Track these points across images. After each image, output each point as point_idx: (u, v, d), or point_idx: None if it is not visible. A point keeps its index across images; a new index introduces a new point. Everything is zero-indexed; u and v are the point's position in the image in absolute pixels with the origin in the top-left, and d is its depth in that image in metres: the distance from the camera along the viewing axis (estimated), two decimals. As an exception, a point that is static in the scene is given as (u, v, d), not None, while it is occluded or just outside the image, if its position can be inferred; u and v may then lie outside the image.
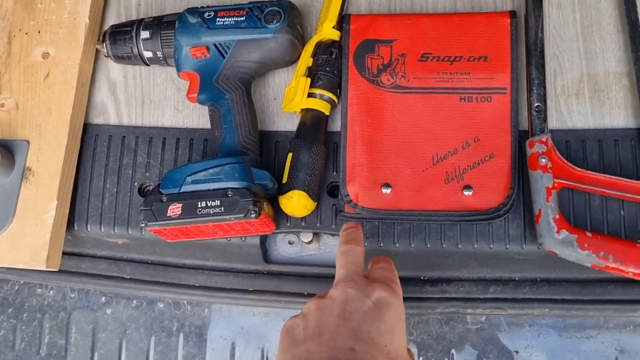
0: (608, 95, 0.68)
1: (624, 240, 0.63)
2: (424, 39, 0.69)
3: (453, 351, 0.70)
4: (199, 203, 0.60)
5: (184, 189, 0.62)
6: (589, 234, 0.63)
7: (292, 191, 0.64)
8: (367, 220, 0.67)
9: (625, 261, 0.62)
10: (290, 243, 0.72)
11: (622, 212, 0.65)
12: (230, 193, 0.61)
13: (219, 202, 0.60)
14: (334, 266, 0.69)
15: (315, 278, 0.70)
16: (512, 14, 0.69)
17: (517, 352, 0.70)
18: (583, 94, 0.69)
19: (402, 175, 0.67)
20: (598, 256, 0.62)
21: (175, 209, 0.61)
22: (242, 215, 0.60)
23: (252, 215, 0.60)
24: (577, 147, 0.67)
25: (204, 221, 0.60)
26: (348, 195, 0.67)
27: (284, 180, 0.65)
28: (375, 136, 0.68)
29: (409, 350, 0.52)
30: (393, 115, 0.68)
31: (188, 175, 0.62)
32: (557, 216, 0.63)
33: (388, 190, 0.66)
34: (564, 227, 0.63)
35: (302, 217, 0.68)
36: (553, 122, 0.68)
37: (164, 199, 0.61)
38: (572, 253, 0.62)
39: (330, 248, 0.72)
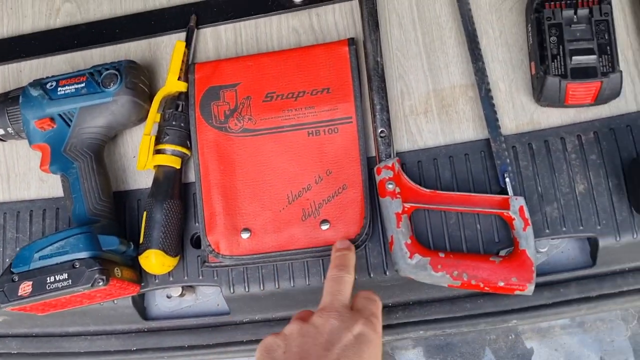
0: (456, 109, 0.68)
1: (476, 256, 0.63)
2: (266, 78, 0.69)
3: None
4: (48, 278, 0.61)
5: (34, 265, 0.62)
6: (441, 255, 0.62)
7: (147, 251, 0.64)
8: (232, 267, 0.67)
9: (478, 277, 0.61)
10: (169, 297, 0.72)
11: (478, 226, 0.65)
12: (77, 264, 0.61)
13: (66, 274, 0.61)
14: (213, 315, 0.69)
15: (195, 329, 0.70)
16: (350, 42, 0.69)
17: (403, 376, 0.69)
18: (431, 111, 0.68)
19: (260, 219, 0.67)
20: (452, 276, 0.62)
21: (26, 287, 0.61)
22: (90, 285, 0.60)
23: (100, 284, 0.60)
24: (429, 166, 0.67)
25: (55, 295, 0.61)
26: (209, 245, 0.67)
27: (141, 240, 0.66)
28: (229, 183, 0.68)
29: None
30: (245, 160, 0.68)
31: (36, 252, 0.62)
32: (409, 241, 0.63)
33: (248, 235, 0.66)
34: (416, 251, 0.63)
35: (168, 272, 0.68)
36: (404, 144, 0.68)
37: (15, 278, 0.62)
38: (427, 276, 0.62)
39: (207, 297, 0.72)
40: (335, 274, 0.58)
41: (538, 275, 0.66)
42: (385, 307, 0.68)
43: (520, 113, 0.67)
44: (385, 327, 0.68)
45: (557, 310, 0.65)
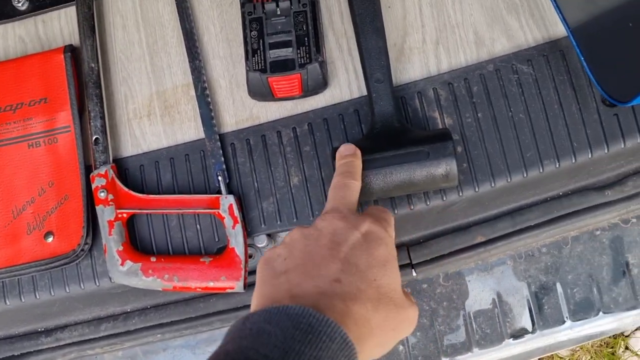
0: (178, 110, 0.68)
1: (187, 258, 0.63)
2: (-15, 92, 0.68)
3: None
4: None
5: None
6: (153, 260, 0.62)
7: None
8: (-38, 287, 0.66)
9: (189, 279, 0.62)
10: None
11: (198, 226, 0.65)
12: None
13: None
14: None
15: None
16: (67, 49, 0.68)
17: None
18: (155, 114, 0.68)
19: (-15, 236, 0.66)
20: (163, 279, 0.62)
21: None
22: None
23: None
24: (151, 169, 0.66)
25: None
26: (-62, 265, 0.66)
27: None
28: (-48, 200, 0.67)
29: (404, 291, 0.47)
30: (-32, 177, 0.67)
31: None
32: (121, 248, 0.63)
33: (-26, 254, 0.65)
34: (128, 257, 0.62)
35: None
36: (129, 148, 0.67)
37: None
38: (139, 282, 0.62)
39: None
40: (340, 181, 0.53)
41: (267, 269, 0.67)
42: (123, 314, 0.68)
43: (240, 109, 0.67)
44: (124, 334, 0.67)
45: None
